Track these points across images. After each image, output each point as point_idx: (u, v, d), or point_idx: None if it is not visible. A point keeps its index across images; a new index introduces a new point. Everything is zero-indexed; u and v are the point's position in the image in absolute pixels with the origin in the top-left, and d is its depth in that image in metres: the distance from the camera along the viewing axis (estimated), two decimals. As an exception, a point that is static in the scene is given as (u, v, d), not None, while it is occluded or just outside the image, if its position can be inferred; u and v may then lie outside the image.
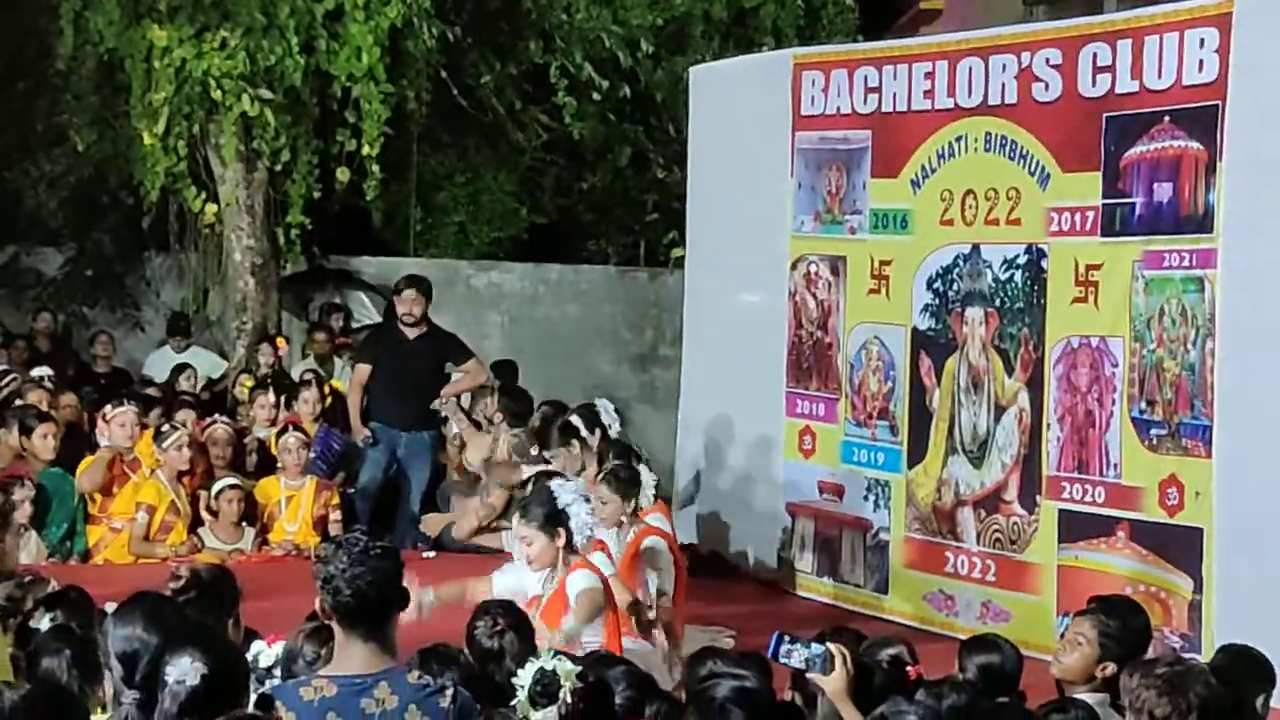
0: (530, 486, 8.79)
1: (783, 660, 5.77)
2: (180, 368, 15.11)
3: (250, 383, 14.19)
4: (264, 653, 5.77)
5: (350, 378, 13.62)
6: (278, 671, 5.73)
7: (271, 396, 13.42)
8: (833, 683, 5.66)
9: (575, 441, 10.39)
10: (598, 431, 10.61)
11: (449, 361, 13.28)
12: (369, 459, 12.93)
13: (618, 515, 9.10)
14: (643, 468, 9.48)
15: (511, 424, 12.34)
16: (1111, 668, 6.34)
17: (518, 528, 7.73)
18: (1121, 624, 6.54)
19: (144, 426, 12.06)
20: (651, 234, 17.76)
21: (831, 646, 5.72)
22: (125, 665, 5.00)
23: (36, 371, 14.01)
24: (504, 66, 16.26)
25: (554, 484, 7.96)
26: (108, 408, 11.88)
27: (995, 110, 10.32)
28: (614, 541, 9.09)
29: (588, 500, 7.95)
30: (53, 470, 11.64)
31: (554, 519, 7.60)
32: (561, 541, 7.58)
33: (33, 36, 16.42)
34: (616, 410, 11.08)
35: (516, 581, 7.84)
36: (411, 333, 12.96)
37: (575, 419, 10.69)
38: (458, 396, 13.32)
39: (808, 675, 5.72)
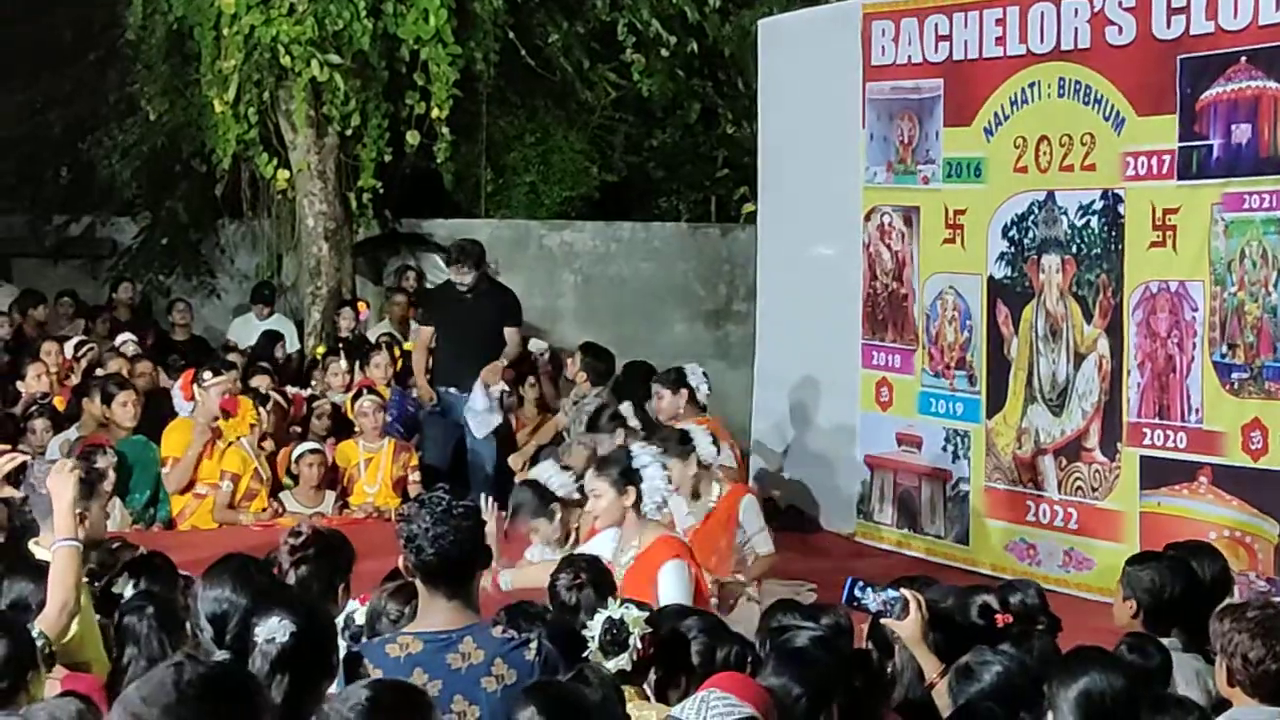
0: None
1: (857, 605, 5.77)
2: (273, 336, 15.13)
3: (322, 349, 14.25)
4: (358, 611, 5.83)
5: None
6: (366, 629, 5.77)
7: (344, 362, 13.48)
8: (908, 628, 5.66)
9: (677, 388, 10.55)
10: (684, 391, 10.70)
11: (503, 318, 13.28)
12: (433, 435, 12.94)
13: (685, 476, 9.09)
14: (694, 429, 9.45)
15: (594, 383, 12.36)
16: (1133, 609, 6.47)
17: (589, 481, 7.71)
18: (1140, 570, 6.56)
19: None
20: (722, 190, 17.70)
21: (906, 592, 5.71)
22: (215, 626, 5.07)
23: (120, 339, 14.13)
24: (571, 25, 16.22)
25: (634, 446, 7.94)
26: (206, 375, 11.84)
27: (1068, 55, 10.23)
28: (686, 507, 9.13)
29: (665, 467, 7.93)
30: (134, 438, 11.72)
31: (626, 476, 7.57)
32: (629, 500, 7.53)
33: (101, 7, 16.53)
34: (705, 374, 11.13)
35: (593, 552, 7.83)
36: (469, 292, 12.99)
37: (657, 382, 10.83)
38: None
39: (882, 621, 5.72)
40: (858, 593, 5.77)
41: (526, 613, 5.79)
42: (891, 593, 5.72)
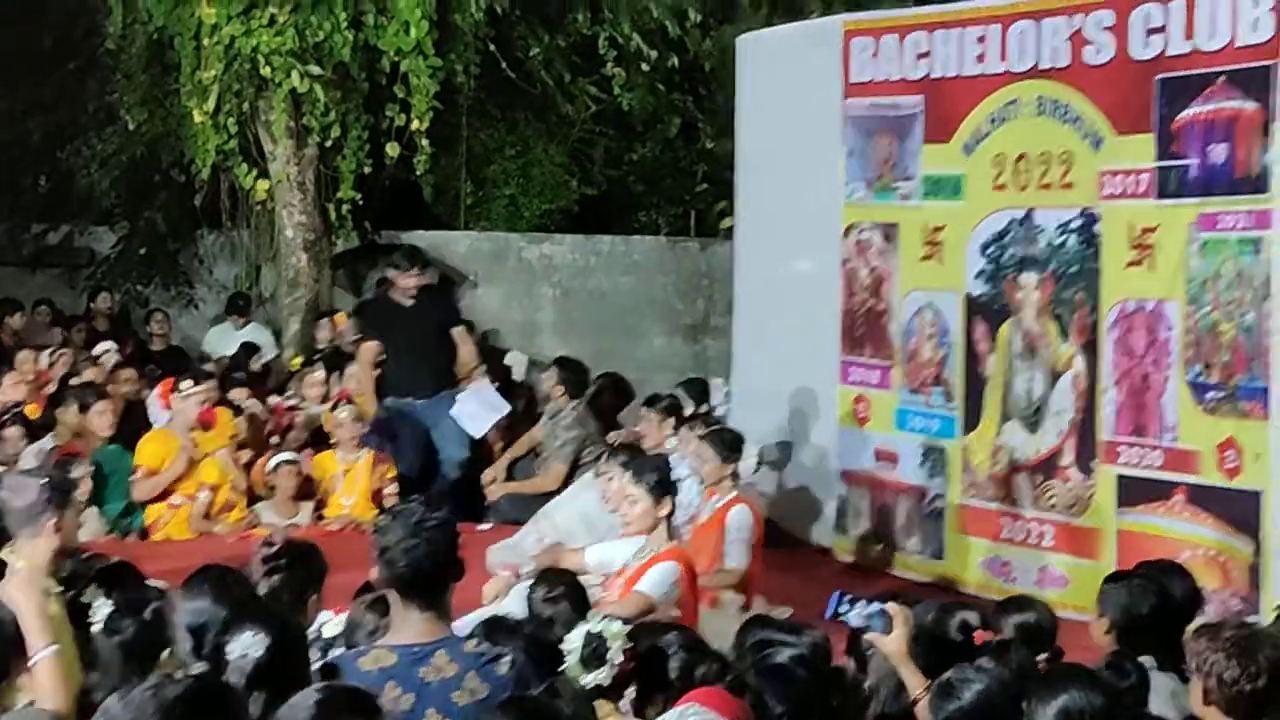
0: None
1: (842, 619, 5.77)
2: (250, 347, 15.10)
3: (299, 360, 14.19)
4: (329, 622, 5.80)
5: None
6: (342, 641, 5.76)
7: (321, 373, 13.43)
8: (892, 643, 5.66)
9: (667, 415, 10.57)
10: (704, 407, 10.78)
11: (449, 320, 13.26)
12: (400, 450, 12.80)
13: (716, 476, 9.16)
14: (749, 443, 9.55)
15: (571, 395, 12.37)
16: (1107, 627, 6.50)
17: (626, 486, 7.61)
18: (1114, 588, 6.61)
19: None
20: (701, 204, 17.72)
21: (891, 606, 5.71)
22: (194, 637, 5.06)
23: (100, 348, 14.09)
24: (552, 38, 16.26)
25: (673, 457, 7.92)
26: (185, 384, 11.84)
27: (1047, 74, 10.26)
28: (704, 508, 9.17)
29: (702, 483, 7.94)
30: (110, 447, 11.71)
31: (665, 485, 7.55)
32: (664, 512, 7.53)
33: (82, 15, 16.52)
34: (727, 392, 11.21)
35: (610, 555, 7.81)
36: (407, 299, 12.95)
37: (681, 392, 10.89)
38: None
39: (866, 635, 5.72)
40: (843, 607, 5.77)
41: (503, 627, 5.78)
42: (876, 608, 5.72)
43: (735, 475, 9.40)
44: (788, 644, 5.70)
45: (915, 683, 5.60)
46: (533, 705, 4.78)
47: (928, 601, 6.44)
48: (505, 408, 12.90)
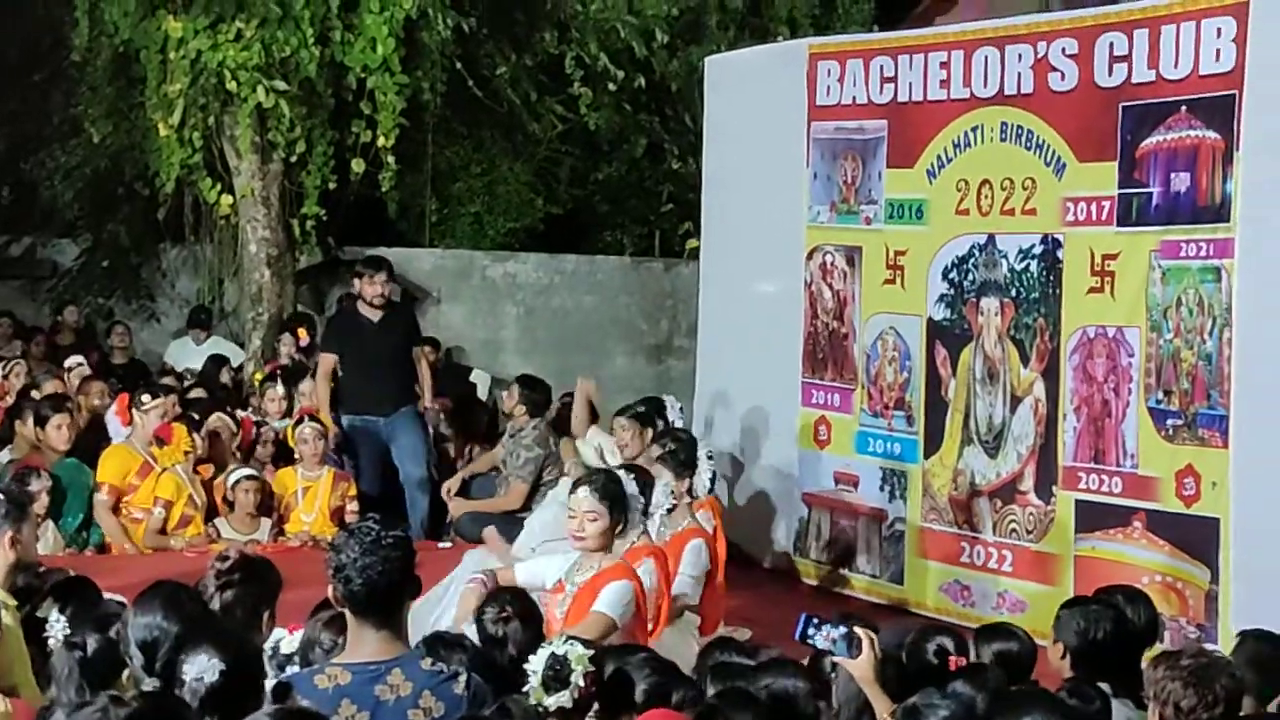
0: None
1: (810, 642, 5.77)
2: (219, 360, 15.03)
3: (260, 375, 14.13)
4: (285, 640, 5.78)
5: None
6: (298, 659, 5.73)
7: (281, 389, 13.34)
8: (860, 666, 5.66)
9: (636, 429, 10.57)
10: (660, 425, 10.75)
11: (412, 337, 13.25)
12: (361, 468, 12.75)
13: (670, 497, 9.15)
14: (703, 456, 9.51)
15: (532, 414, 12.35)
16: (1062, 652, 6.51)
17: (586, 500, 7.53)
18: (1070, 614, 6.60)
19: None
20: (666, 224, 17.77)
21: (859, 630, 5.71)
22: (145, 654, 5.03)
23: (70, 362, 14.02)
24: (519, 57, 16.27)
25: (622, 474, 7.88)
26: (144, 398, 11.81)
27: (1011, 100, 10.29)
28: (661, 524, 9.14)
29: (642, 499, 7.91)
30: (68, 461, 11.64)
31: (622, 504, 7.54)
32: (617, 530, 7.53)
33: (48, 28, 16.49)
34: (681, 409, 11.21)
35: (540, 570, 7.80)
36: (376, 314, 12.91)
37: (641, 409, 10.87)
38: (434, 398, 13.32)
39: (834, 659, 5.71)
40: (810, 630, 5.77)
41: (446, 641, 5.75)
42: (844, 630, 5.72)
43: (691, 491, 9.39)
44: (749, 665, 5.73)
45: (882, 706, 5.61)
46: None
47: (893, 625, 6.45)
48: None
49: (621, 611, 7.24)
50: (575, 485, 7.80)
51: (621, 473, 7.90)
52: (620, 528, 7.55)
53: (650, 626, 8.41)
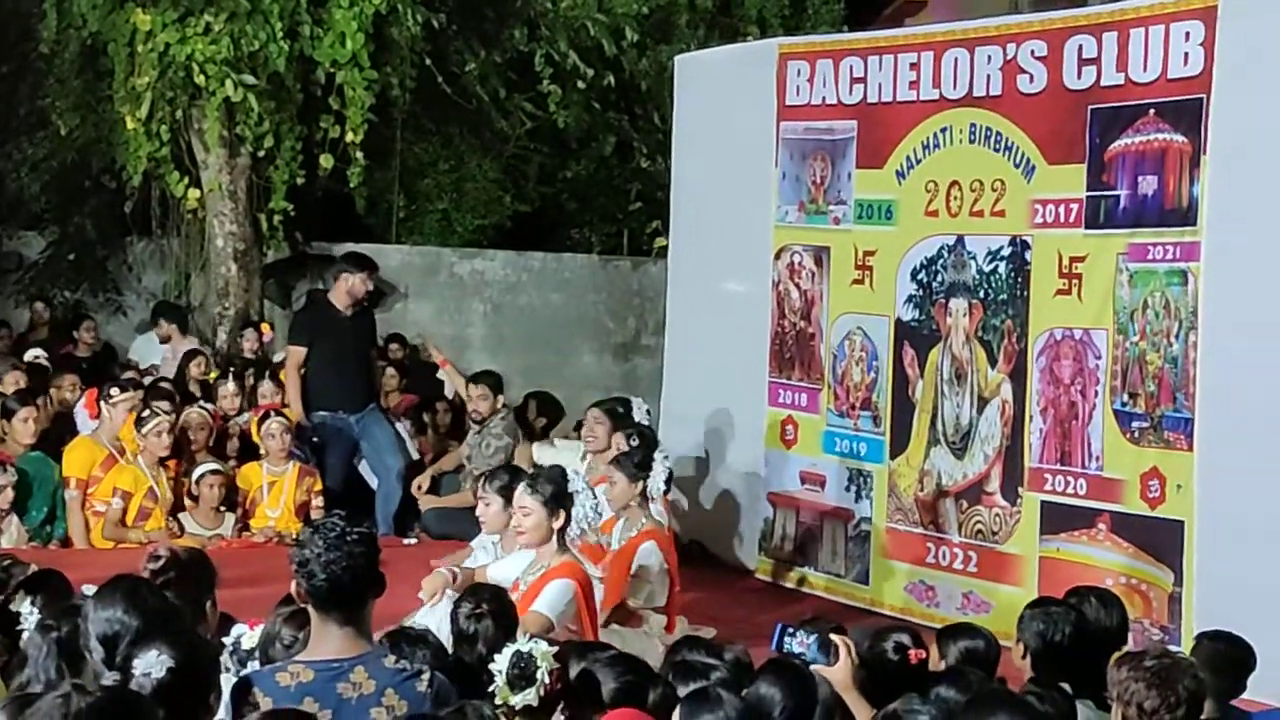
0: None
1: (786, 650, 5.76)
2: (192, 355, 14.94)
3: (215, 374, 14.02)
4: (245, 635, 5.75)
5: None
6: (259, 654, 5.71)
7: (233, 385, 13.20)
8: (837, 673, 5.66)
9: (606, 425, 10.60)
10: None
11: (373, 337, 13.49)
12: (327, 464, 12.70)
13: (625, 498, 9.18)
14: (659, 458, 9.53)
15: (494, 393, 12.49)
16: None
17: (520, 497, 7.60)
18: (1031, 615, 6.61)
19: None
20: (634, 223, 17.77)
21: (835, 638, 5.72)
22: (106, 647, 5.01)
23: (30, 354, 13.96)
24: (489, 54, 16.23)
25: (568, 470, 7.88)
26: (113, 391, 11.79)
27: (980, 102, 10.31)
28: (619, 528, 9.15)
29: (594, 496, 7.90)
30: (33, 454, 11.59)
31: (559, 499, 7.52)
32: (558, 524, 7.49)
33: (15, 19, 16.36)
34: (648, 411, 11.24)
35: (507, 570, 7.80)
36: (349, 310, 12.92)
37: (619, 408, 10.90)
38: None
39: (812, 666, 5.71)
40: (786, 638, 5.77)
41: (408, 636, 5.73)
42: (821, 638, 5.72)
43: (645, 494, 9.38)
44: (713, 665, 5.72)
45: (862, 711, 5.61)
46: None
47: (859, 627, 6.46)
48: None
49: (561, 610, 7.27)
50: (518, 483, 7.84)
51: (568, 470, 7.90)
52: (562, 523, 7.52)
53: (662, 604, 8.52)
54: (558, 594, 7.27)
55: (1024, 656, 6.50)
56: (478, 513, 8.19)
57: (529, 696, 5.48)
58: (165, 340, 15.41)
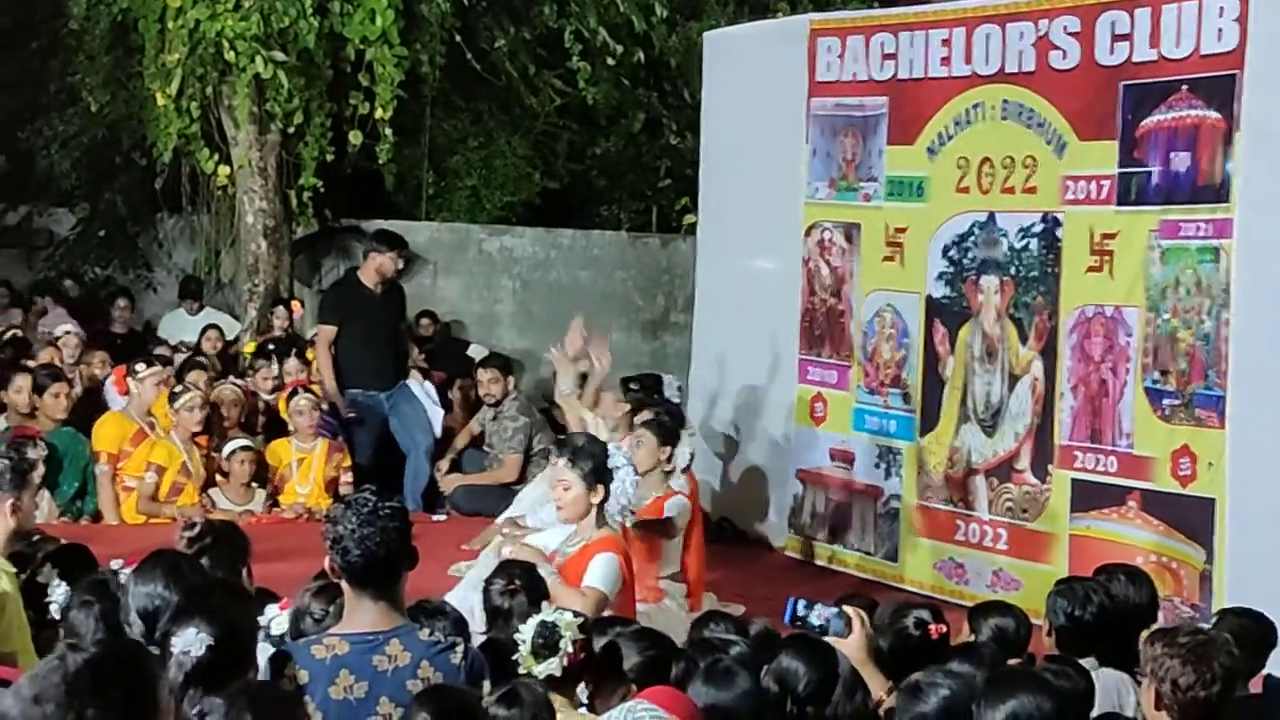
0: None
1: (800, 622, 5.76)
2: (205, 331, 15.01)
3: (252, 347, 14.08)
4: (276, 619, 5.75)
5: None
6: (290, 635, 5.72)
7: (274, 367, 13.26)
8: (851, 645, 5.66)
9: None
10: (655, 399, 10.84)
11: (402, 313, 13.60)
12: (358, 440, 12.76)
13: (651, 461, 9.18)
14: (685, 433, 9.57)
15: (505, 375, 12.59)
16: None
17: (560, 470, 7.52)
18: (1057, 593, 6.61)
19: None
20: (664, 200, 17.73)
21: (849, 609, 5.71)
22: (146, 622, 5.03)
23: (61, 329, 14.00)
24: (518, 31, 16.21)
25: (610, 446, 7.85)
26: (140, 367, 11.85)
27: (1012, 78, 10.28)
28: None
29: (637, 474, 7.88)
30: (64, 429, 11.64)
31: (600, 473, 7.48)
32: (598, 499, 7.46)
33: (46, -4, 16.41)
34: (679, 388, 11.24)
35: (547, 543, 7.79)
36: (379, 288, 12.97)
37: (635, 385, 10.92)
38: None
39: (826, 638, 5.71)
40: (800, 611, 5.77)
41: (426, 609, 5.73)
42: (835, 609, 5.72)
43: (670, 463, 9.43)
44: (735, 642, 5.73)
45: (877, 684, 5.60)
46: (456, 698, 4.75)
47: (887, 602, 6.46)
48: (439, 411, 13.04)
49: (612, 584, 7.25)
50: (554, 454, 7.82)
51: (609, 444, 7.87)
52: (601, 497, 7.50)
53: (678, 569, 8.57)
54: (607, 567, 7.25)
55: (1049, 634, 6.49)
56: (554, 495, 8.09)
57: (552, 666, 5.48)
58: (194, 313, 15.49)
